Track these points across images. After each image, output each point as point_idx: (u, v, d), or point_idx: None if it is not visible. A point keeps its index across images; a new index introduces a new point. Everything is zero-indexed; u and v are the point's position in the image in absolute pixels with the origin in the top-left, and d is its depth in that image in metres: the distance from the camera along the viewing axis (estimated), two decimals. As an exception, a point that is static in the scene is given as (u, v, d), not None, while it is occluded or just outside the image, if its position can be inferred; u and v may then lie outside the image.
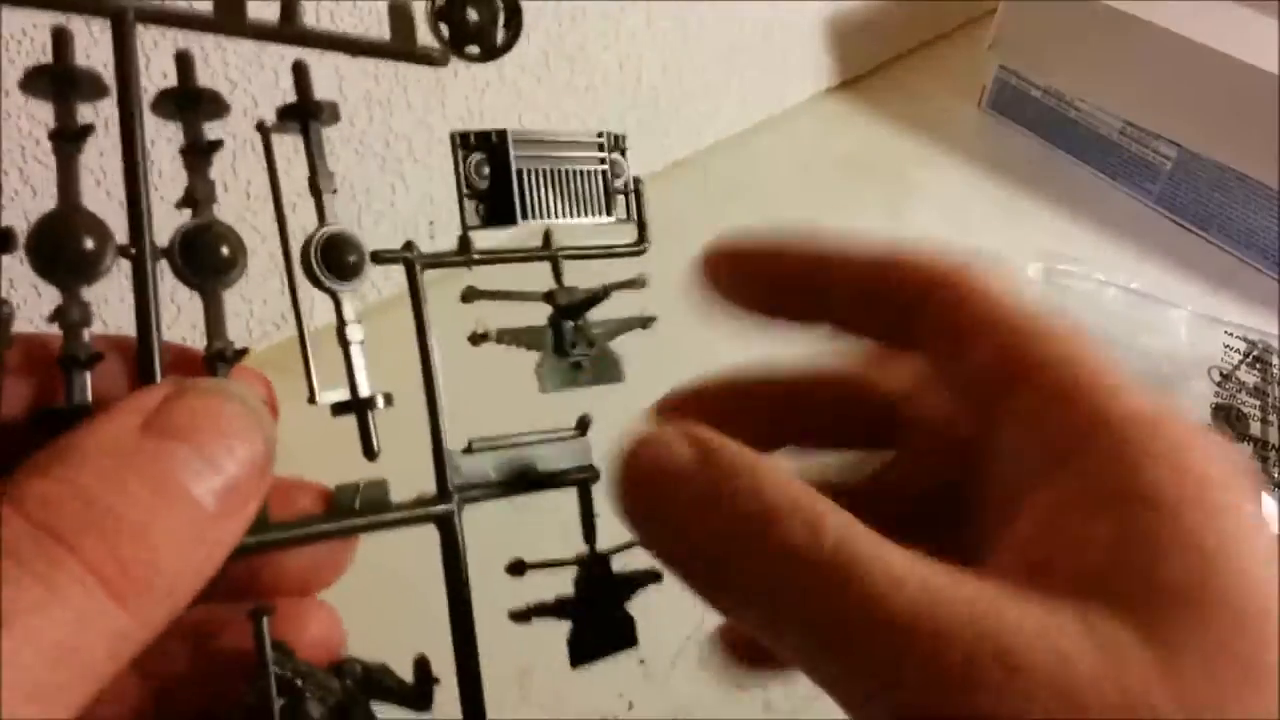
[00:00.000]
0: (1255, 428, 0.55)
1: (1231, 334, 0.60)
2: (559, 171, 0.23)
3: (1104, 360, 0.19)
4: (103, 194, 0.44)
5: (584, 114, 0.66)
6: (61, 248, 0.18)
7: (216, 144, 0.21)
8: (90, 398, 0.18)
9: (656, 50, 0.68)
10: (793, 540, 0.16)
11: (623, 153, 0.25)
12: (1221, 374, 0.58)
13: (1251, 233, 0.70)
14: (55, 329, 0.19)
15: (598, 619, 0.23)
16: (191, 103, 0.21)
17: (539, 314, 0.24)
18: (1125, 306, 0.62)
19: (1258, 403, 0.57)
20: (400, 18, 0.22)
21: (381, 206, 0.58)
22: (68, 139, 0.19)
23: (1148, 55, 0.70)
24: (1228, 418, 0.56)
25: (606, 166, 0.24)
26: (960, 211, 0.73)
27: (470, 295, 0.23)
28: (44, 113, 0.48)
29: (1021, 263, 0.64)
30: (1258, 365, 0.59)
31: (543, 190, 0.23)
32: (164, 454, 0.16)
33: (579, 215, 0.24)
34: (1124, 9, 0.70)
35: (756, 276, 0.23)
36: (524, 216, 0.23)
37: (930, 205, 0.74)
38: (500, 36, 0.23)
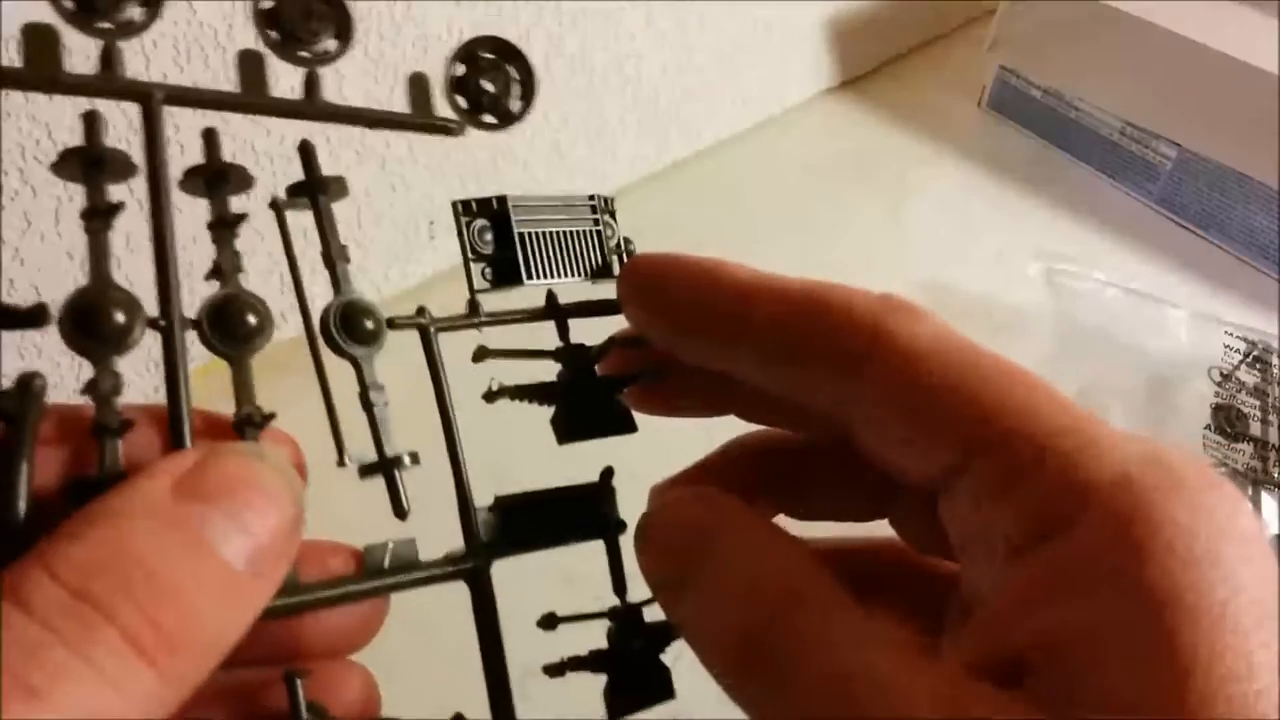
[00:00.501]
0: (1255, 428, 0.55)
1: (1231, 334, 0.60)
2: (559, 234, 0.24)
3: (1067, 413, 0.18)
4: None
5: (584, 114, 0.66)
6: (94, 322, 0.19)
7: (241, 217, 0.22)
8: (122, 465, 0.19)
9: (656, 50, 0.68)
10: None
11: (611, 215, 0.26)
12: (1221, 374, 0.58)
13: (1251, 233, 0.70)
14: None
15: (633, 671, 0.23)
16: (219, 180, 0.22)
17: (549, 370, 0.24)
18: (1125, 306, 0.62)
19: (1257, 403, 0.57)
20: (419, 89, 0.23)
21: (382, 206, 0.58)
22: (98, 217, 0.20)
23: (1148, 55, 0.70)
24: (1228, 418, 0.56)
25: (601, 227, 0.25)
26: (960, 211, 0.73)
27: (481, 355, 0.23)
28: (44, 113, 0.49)
29: (1021, 262, 0.64)
30: (1258, 365, 0.59)
31: (544, 252, 0.24)
32: (196, 517, 0.17)
33: (579, 275, 0.25)
34: (1124, 9, 0.70)
35: (680, 291, 0.23)
36: (529, 277, 0.24)
37: (930, 205, 0.74)
38: (516, 105, 0.24)
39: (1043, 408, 0.18)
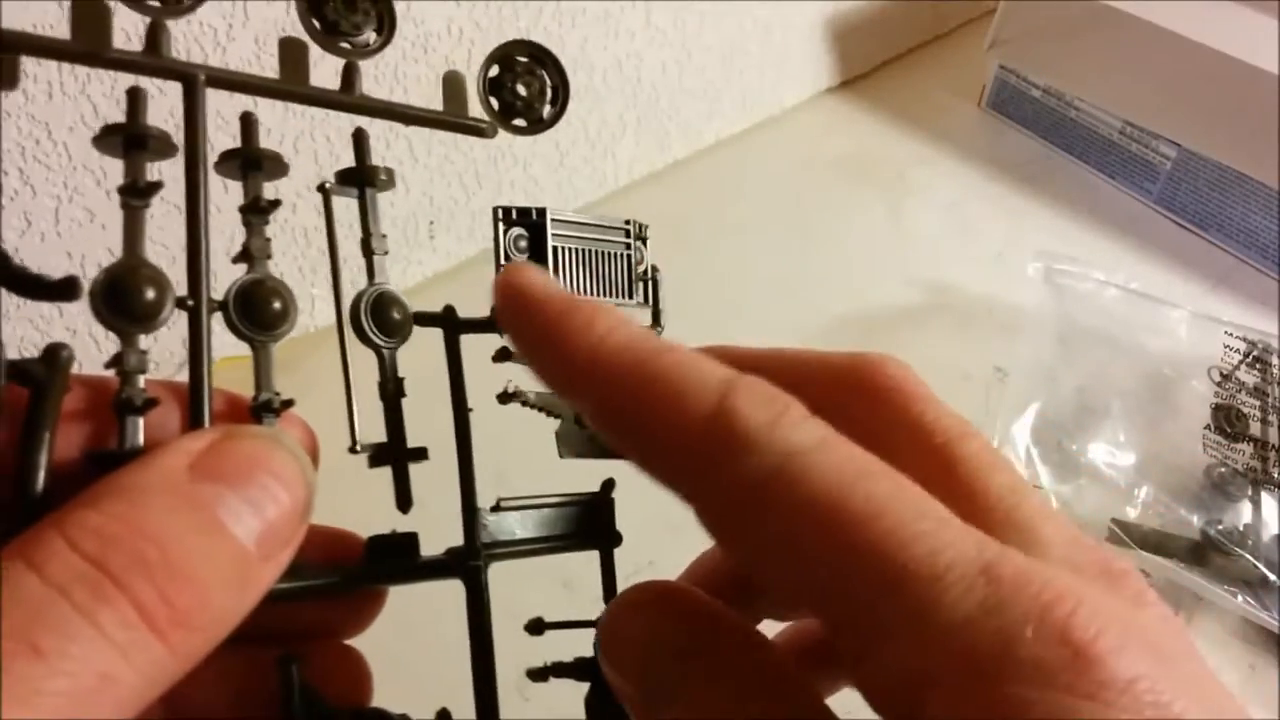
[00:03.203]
0: (1255, 428, 0.55)
1: (1231, 334, 0.60)
2: (590, 252, 0.25)
3: (925, 541, 0.15)
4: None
5: (584, 114, 0.66)
6: (126, 299, 0.19)
7: (275, 203, 0.22)
8: (142, 441, 0.19)
9: (656, 50, 0.68)
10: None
11: (644, 241, 0.26)
12: (1221, 374, 0.58)
13: (1251, 232, 0.70)
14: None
15: None
16: (254, 165, 0.22)
17: None
18: (1125, 306, 0.62)
19: (1257, 403, 0.57)
20: (453, 88, 0.23)
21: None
22: (136, 194, 0.20)
23: (1148, 55, 0.70)
24: (1227, 417, 0.56)
25: (632, 252, 0.25)
26: (960, 211, 0.73)
27: (502, 356, 0.23)
28: (44, 113, 0.49)
29: (1021, 262, 0.64)
30: (1257, 365, 0.59)
31: (574, 268, 0.24)
32: (210, 496, 0.17)
33: (605, 295, 0.25)
34: (1124, 9, 0.70)
35: (527, 325, 0.20)
36: None
37: (930, 205, 0.74)
38: (547, 111, 0.24)
39: (878, 573, 0.15)
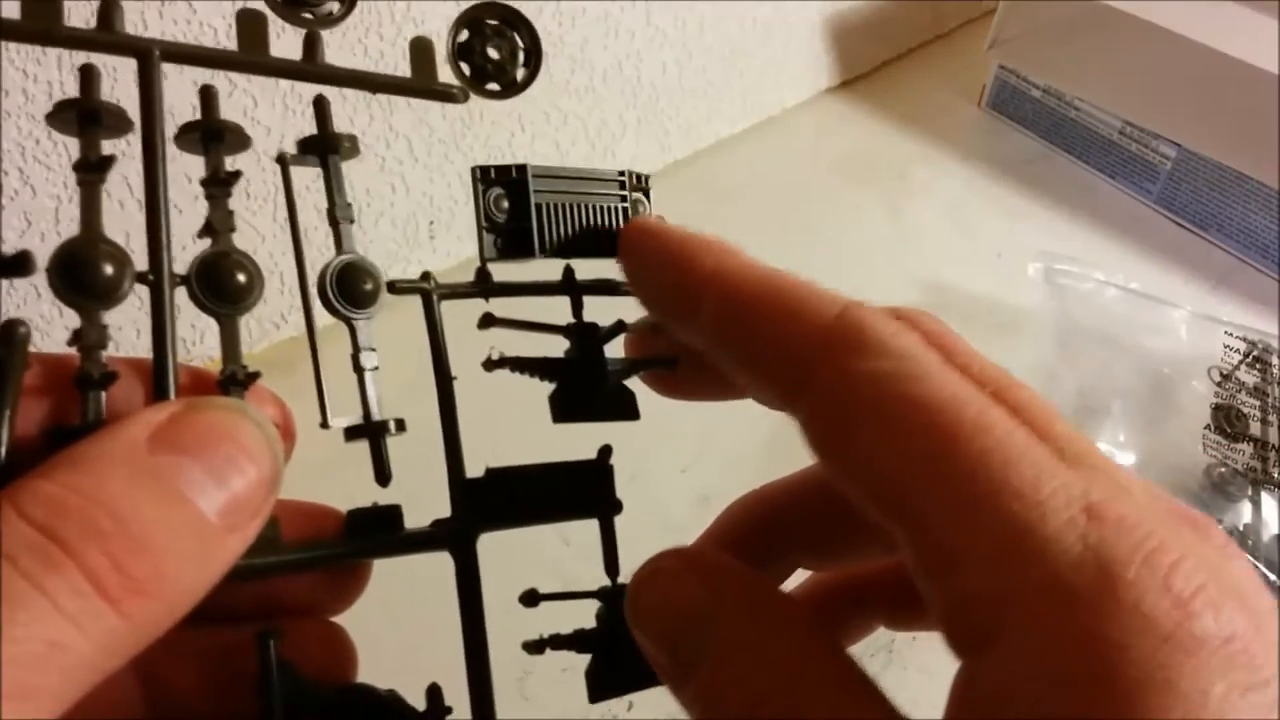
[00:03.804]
0: (1255, 428, 0.55)
1: (1231, 334, 0.60)
2: (579, 207, 0.23)
3: (1008, 491, 0.15)
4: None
5: (584, 114, 0.66)
6: (83, 274, 0.19)
7: (236, 175, 0.22)
8: (104, 416, 0.19)
9: (656, 50, 0.68)
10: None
11: (645, 194, 0.25)
12: (1221, 374, 0.58)
13: (1251, 232, 0.70)
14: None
15: (619, 653, 0.22)
16: (215, 137, 0.21)
17: (555, 345, 0.23)
18: (1125, 306, 0.62)
19: (1257, 403, 0.57)
20: (421, 55, 0.22)
21: (381, 206, 0.58)
22: (91, 170, 0.20)
23: (1148, 55, 0.70)
24: (1227, 417, 0.56)
25: (628, 205, 0.24)
26: (960, 211, 0.73)
27: (487, 322, 0.23)
28: (44, 112, 0.48)
29: (1021, 262, 0.64)
30: (1257, 365, 0.58)
31: (562, 225, 0.23)
32: (170, 467, 0.17)
33: (599, 251, 0.24)
34: (1124, 9, 0.69)
35: (654, 264, 0.22)
36: (542, 251, 0.23)
37: (930, 205, 0.74)
38: (520, 74, 0.23)
39: (979, 483, 0.15)
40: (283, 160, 0.22)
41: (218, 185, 0.21)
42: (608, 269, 0.24)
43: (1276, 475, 0.53)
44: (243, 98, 0.49)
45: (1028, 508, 0.15)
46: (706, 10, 0.69)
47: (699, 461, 0.53)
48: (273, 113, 0.50)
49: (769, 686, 0.17)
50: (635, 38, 0.66)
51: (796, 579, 0.26)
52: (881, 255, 0.69)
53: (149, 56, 0.20)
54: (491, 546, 0.23)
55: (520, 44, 0.23)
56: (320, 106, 0.23)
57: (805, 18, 0.78)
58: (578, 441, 0.23)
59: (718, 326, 0.20)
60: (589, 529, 0.24)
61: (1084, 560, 0.14)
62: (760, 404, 0.20)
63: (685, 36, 0.69)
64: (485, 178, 0.23)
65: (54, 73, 0.43)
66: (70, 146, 0.45)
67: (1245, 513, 0.52)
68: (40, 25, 0.18)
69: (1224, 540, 0.16)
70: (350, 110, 0.54)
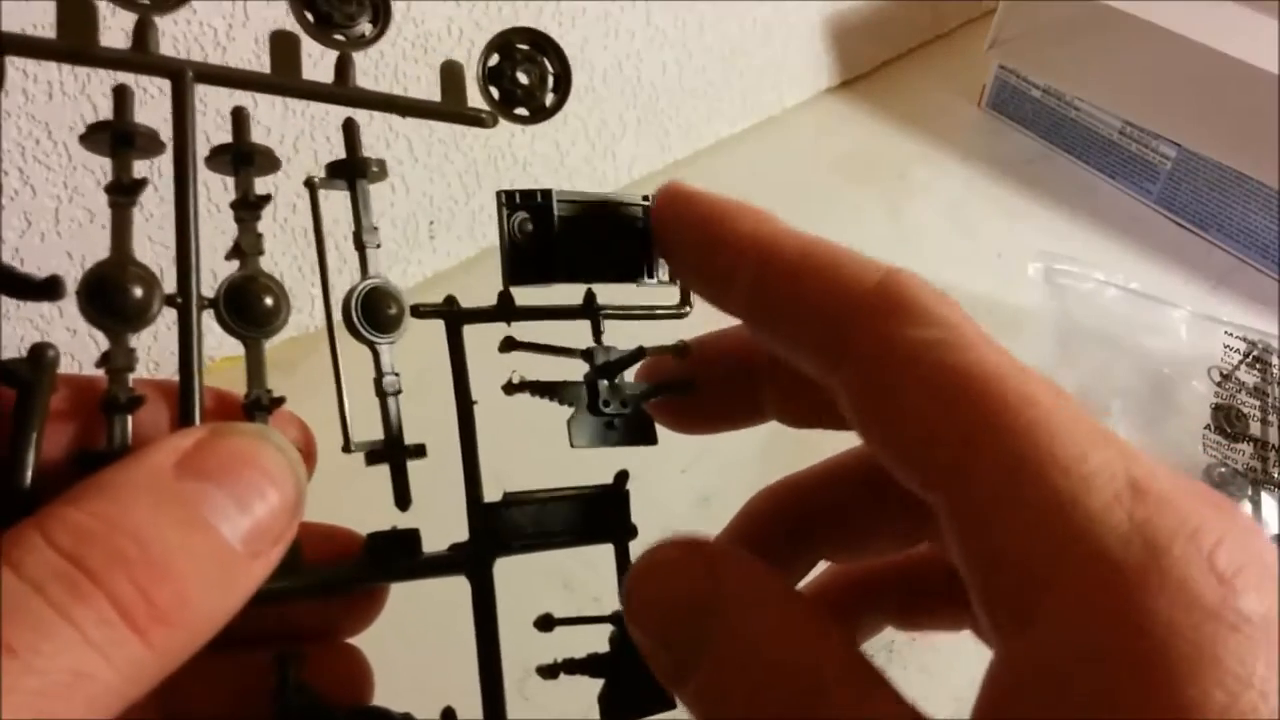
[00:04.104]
0: (1255, 428, 0.55)
1: (1231, 334, 0.60)
2: (602, 231, 0.23)
3: (1054, 466, 0.15)
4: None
5: (584, 114, 0.66)
6: (113, 297, 0.19)
7: (265, 199, 0.22)
8: (130, 440, 0.19)
9: (656, 50, 0.68)
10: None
11: None
12: (1221, 374, 0.58)
13: (1251, 232, 0.70)
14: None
15: (632, 678, 0.22)
16: (245, 160, 0.22)
17: (574, 369, 0.23)
18: (1125, 306, 0.62)
19: (1257, 403, 0.57)
20: (452, 79, 0.23)
21: (381, 206, 0.58)
22: (123, 192, 0.20)
23: (1148, 55, 0.70)
24: (1227, 417, 0.56)
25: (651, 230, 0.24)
26: (960, 211, 0.73)
27: (508, 345, 0.23)
28: (43, 112, 0.48)
29: (1021, 262, 0.64)
30: (1257, 365, 0.58)
31: (584, 250, 0.23)
32: (195, 494, 0.17)
33: (620, 276, 0.23)
34: (1124, 9, 0.69)
35: (689, 229, 0.22)
36: (564, 275, 0.23)
37: (930, 205, 0.74)
38: (549, 99, 0.23)
39: (1025, 454, 0.15)
40: (311, 184, 0.22)
41: (247, 209, 0.21)
42: (629, 294, 0.24)
43: (1276, 475, 0.53)
44: (244, 97, 0.49)
45: (1074, 481, 0.15)
46: (706, 10, 0.69)
47: (699, 462, 0.53)
48: (272, 113, 0.50)
49: (775, 680, 0.17)
50: (635, 38, 0.66)
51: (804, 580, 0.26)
52: (881, 255, 0.68)
53: (182, 77, 0.20)
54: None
55: (550, 69, 0.23)
56: (350, 130, 0.23)
57: (805, 18, 0.78)
58: (592, 463, 0.23)
59: (755, 291, 0.20)
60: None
61: (1130, 536, 0.14)
62: (799, 369, 0.20)
63: (685, 36, 0.69)
64: (510, 202, 0.23)
65: (53, 72, 0.43)
66: (70, 147, 0.45)
67: (1245, 513, 0.52)
68: (77, 45, 0.19)
69: (1249, 522, 0.16)
70: (350, 109, 0.54)
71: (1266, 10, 0.69)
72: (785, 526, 0.25)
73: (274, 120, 0.51)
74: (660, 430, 0.24)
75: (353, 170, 0.23)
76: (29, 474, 0.17)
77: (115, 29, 0.19)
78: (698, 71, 0.72)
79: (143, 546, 0.15)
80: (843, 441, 0.24)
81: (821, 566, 0.26)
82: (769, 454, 0.51)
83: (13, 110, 0.43)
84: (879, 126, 0.81)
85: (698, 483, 0.52)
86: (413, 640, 0.33)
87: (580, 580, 0.40)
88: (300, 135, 0.51)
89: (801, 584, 0.26)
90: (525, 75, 0.23)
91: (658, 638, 0.19)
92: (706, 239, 0.21)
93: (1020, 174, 0.77)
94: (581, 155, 0.67)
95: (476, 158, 0.61)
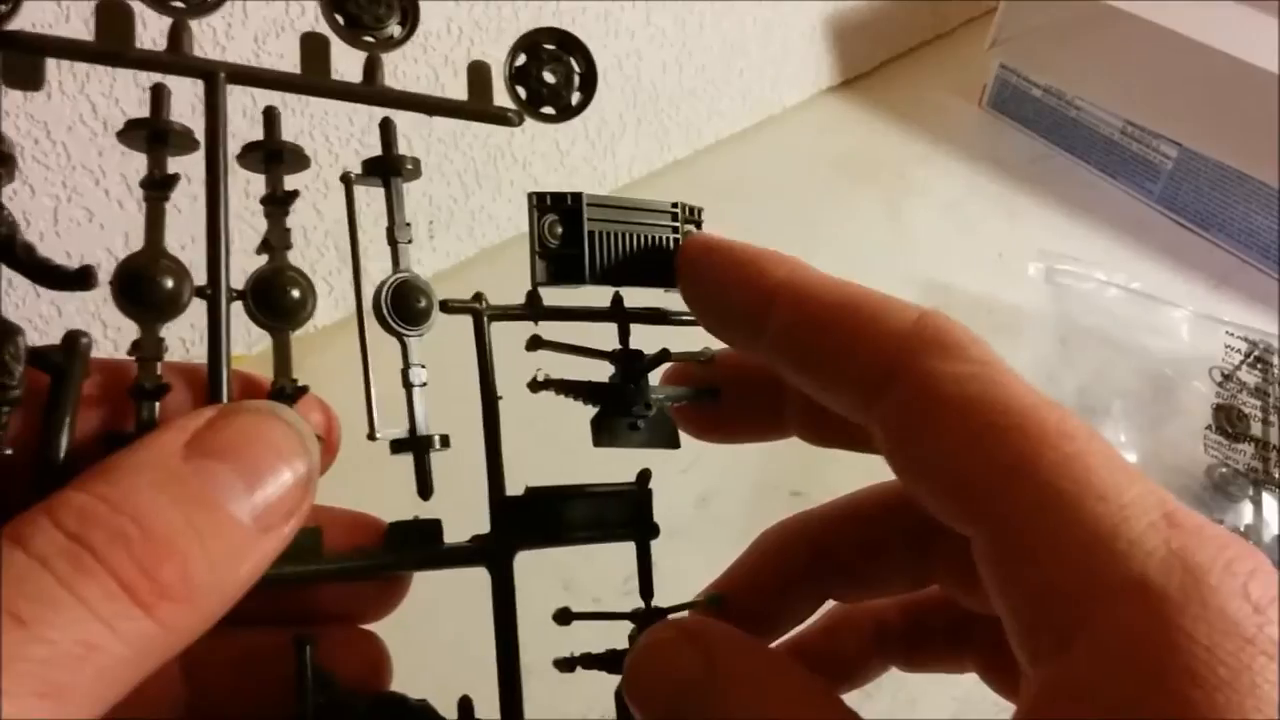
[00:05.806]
0: (1256, 428, 0.55)
1: (1232, 334, 0.60)
2: (630, 236, 0.24)
3: (1091, 493, 0.15)
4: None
5: (584, 113, 0.66)
6: (145, 288, 0.20)
7: (293, 194, 0.22)
8: (157, 424, 0.19)
9: (656, 49, 0.68)
10: None
11: (697, 225, 0.25)
12: (1222, 374, 0.58)
13: (1252, 232, 0.70)
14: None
15: None
16: (275, 157, 0.22)
17: (593, 370, 0.24)
18: (1125, 306, 0.62)
19: (1258, 403, 0.57)
20: (479, 77, 0.23)
21: (381, 206, 0.58)
22: (156, 187, 0.20)
23: (1148, 55, 0.70)
24: (1229, 418, 0.56)
25: (679, 235, 0.24)
26: (960, 210, 0.73)
27: (535, 344, 0.23)
28: (44, 112, 0.48)
29: (1021, 262, 0.64)
30: (1258, 365, 0.58)
31: (613, 253, 0.23)
32: (203, 471, 0.17)
33: (648, 281, 0.24)
34: (1124, 8, 0.69)
35: (718, 278, 0.22)
36: (592, 278, 0.23)
37: (930, 204, 0.73)
38: (575, 98, 0.24)
39: (1064, 485, 0.16)
40: (347, 180, 0.23)
41: (275, 204, 0.22)
42: (656, 298, 0.24)
43: (1278, 475, 0.53)
44: (242, 94, 0.49)
45: (1112, 510, 0.15)
46: (706, 10, 0.69)
47: (699, 462, 0.53)
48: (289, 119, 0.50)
49: None
50: (635, 37, 0.66)
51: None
52: (881, 254, 0.68)
53: (215, 78, 0.20)
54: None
55: (576, 69, 0.24)
56: (386, 129, 0.23)
57: (805, 17, 0.78)
58: (612, 464, 0.24)
59: (788, 335, 0.20)
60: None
61: (1170, 562, 0.15)
62: (833, 409, 0.20)
63: (685, 36, 0.69)
64: (541, 204, 0.23)
65: (53, 73, 0.43)
66: (69, 147, 0.45)
67: (1246, 513, 0.52)
68: (114, 48, 0.19)
69: (1266, 559, 0.17)
70: (349, 108, 0.54)
71: (1267, 10, 0.69)
72: (797, 564, 0.25)
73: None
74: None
75: (388, 168, 0.23)
76: (62, 453, 0.18)
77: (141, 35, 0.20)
78: (698, 71, 0.72)
79: (144, 526, 0.16)
80: (840, 456, 0.24)
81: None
82: (769, 455, 0.51)
83: (12, 110, 0.43)
84: (879, 126, 0.81)
85: (698, 483, 0.52)
86: (432, 627, 0.33)
87: (580, 580, 0.40)
88: (300, 135, 0.51)
89: (807, 623, 0.26)
90: (551, 75, 0.23)
91: (657, 718, 0.20)
92: (738, 286, 0.21)
93: (1021, 173, 0.77)
94: (581, 154, 0.67)
95: (476, 157, 0.61)
